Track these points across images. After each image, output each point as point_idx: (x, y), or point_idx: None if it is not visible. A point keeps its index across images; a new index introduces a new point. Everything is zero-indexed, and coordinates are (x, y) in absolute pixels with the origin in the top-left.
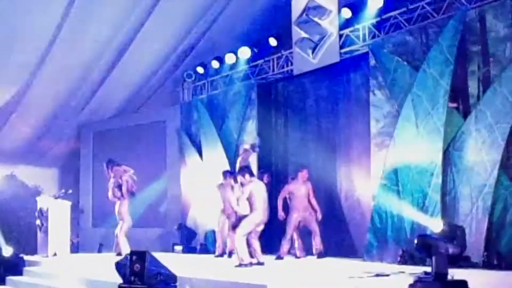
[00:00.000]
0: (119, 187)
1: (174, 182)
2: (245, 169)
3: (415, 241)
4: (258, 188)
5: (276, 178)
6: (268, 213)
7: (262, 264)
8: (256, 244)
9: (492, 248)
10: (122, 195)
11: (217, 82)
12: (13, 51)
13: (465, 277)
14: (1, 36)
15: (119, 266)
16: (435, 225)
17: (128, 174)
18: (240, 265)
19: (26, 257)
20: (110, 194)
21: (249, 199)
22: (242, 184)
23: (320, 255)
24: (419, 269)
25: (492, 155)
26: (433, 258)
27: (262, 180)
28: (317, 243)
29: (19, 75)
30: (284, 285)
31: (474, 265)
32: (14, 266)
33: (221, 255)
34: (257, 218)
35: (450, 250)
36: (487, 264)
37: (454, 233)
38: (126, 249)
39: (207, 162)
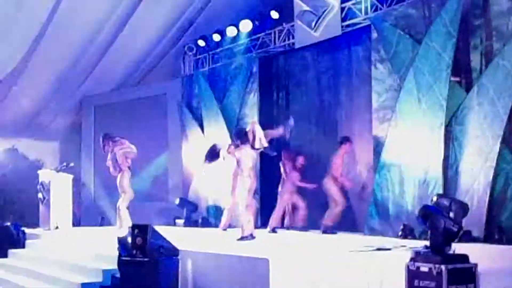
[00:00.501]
0: (116, 160)
1: (175, 155)
2: (236, 136)
3: (418, 210)
4: (245, 155)
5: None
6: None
7: (253, 238)
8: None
9: (493, 223)
10: (120, 168)
11: (218, 55)
12: (14, 23)
13: (466, 251)
14: (1, 9)
15: (121, 242)
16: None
17: (120, 147)
18: (242, 238)
19: (28, 230)
20: (111, 169)
21: (238, 166)
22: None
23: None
24: (420, 243)
25: (494, 129)
26: (429, 232)
27: (295, 161)
28: (300, 217)
29: (19, 48)
30: (285, 259)
31: (475, 239)
32: (16, 239)
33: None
34: (246, 183)
35: (447, 226)
36: (488, 238)
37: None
38: (127, 222)
39: (209, 135)
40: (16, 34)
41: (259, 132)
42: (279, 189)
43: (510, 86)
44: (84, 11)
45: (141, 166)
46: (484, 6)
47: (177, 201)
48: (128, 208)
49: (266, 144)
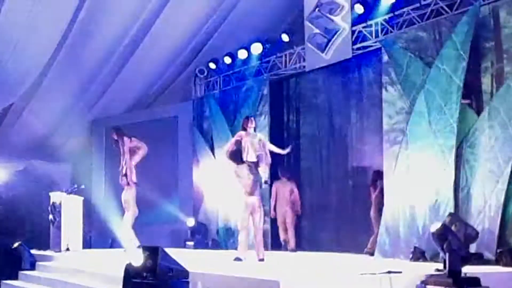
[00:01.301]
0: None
1: (186, 178)
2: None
3: (434, 229)
4: (242, 172)
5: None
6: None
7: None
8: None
9: (505, 245)
10: (128, 181)
11: (229, 78)
12: (27, 45)
13: (477, 274)
14: (14, 32)
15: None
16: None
17: (132, 146)
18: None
19: (38, 252)
20: (121, 178)
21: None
22: None
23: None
24: (431, 266)
25: (505, 152)
26: (447, 254)
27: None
28: (289, 237)
29: (31, 70)
30: (296, 281)
31: (486, 262)
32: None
33: None
34: (243, 202)
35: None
36: (500, 261)
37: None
38: (132, 243)
39: (219, 158)
40: (29, 56)
41: (251, 145)
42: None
43: None
44: (96, 34)
45: (152, 188)
46: (494, 29)
47: (189, 223)
48: (133, 227)
49: (254, 159)
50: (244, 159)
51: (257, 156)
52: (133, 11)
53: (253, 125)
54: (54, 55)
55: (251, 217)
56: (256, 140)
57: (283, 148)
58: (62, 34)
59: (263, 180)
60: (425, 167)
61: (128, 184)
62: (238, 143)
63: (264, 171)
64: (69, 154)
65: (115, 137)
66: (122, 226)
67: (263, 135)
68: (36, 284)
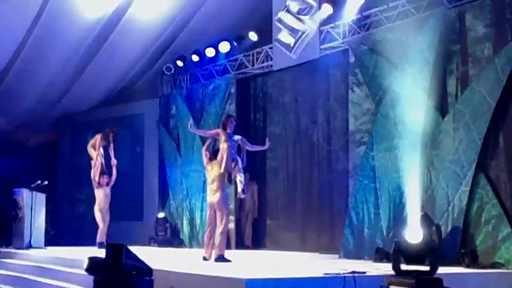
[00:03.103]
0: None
1: (151, 175)
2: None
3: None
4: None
5: (253, 174)
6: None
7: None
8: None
9: (468, 246)
10: (108, 180)
11: (197, 75)
12: None
13: (440, 275)
14: None
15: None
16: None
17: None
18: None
19: (0, 249)
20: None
21: None
22: None
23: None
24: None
25: (469, 154)
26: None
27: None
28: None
29: None
30: (261, 280)
31: (449, 263)
32: None
33: None
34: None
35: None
36: (462, 262)
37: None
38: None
39: (185, 155)
40: None
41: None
42: None
43: (485, 111)
44: (63, 30)
45: (117, 185)
46: (460, 32)
47: (159, 215)
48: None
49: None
50: (222, 165)
51: (233, 160)
52: (101, 7)
53: (234, 126)
54: (19, 50)
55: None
56: (235, 139)
57: (262, 144)
58: (27, 30)
59: (239, 190)
60: (390, 168)
61: (107, 183)
62: (214, 139)
63: (241, 181)
64: (34, 150)
65: (111, 138)
66: (99, 222)
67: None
68: None
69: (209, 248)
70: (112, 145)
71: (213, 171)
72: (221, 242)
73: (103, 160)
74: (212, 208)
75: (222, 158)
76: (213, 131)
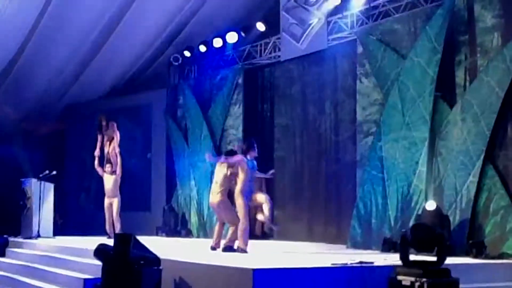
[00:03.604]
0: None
1: (159, 165)
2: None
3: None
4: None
5: (260, 165)
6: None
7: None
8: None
9: (475, 237)
10: (113, 169)
11: (204, 66)
12: None
13: (448, 265)
14: None
15: (98, 252)
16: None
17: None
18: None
19: (9, 238)
20: (107, 167)
21: None
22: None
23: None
24: None
25: (477, 144)
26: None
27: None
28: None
29: (3, 55)
30: (269, 270)
31: (457, 254)
32: None
33: None
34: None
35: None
36: (470, 253)
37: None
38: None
39: (193, 145)
40: (0, 41)
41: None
42: None
43: (493, 102)
44: (70, 20)
45: (125, 175)
46: (469, 23)
47: (161, 210)
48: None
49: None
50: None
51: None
52: None
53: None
54: (27, 39)
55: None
56: (255, 165)
57: (265, 172)
58: (36, 18)
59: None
60: (397, 158)
61: (114, 172)
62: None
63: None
64: (41, 140)
65: (103, 122)
66: (108, 216)
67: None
68: (4, 271)
69: (218, 237)
70: (108, 133)
71: (220, 172)
72: (232, 235)
73: (97, 150)
74: (212, 206)
75: (240, 189)
76: (236, 159)
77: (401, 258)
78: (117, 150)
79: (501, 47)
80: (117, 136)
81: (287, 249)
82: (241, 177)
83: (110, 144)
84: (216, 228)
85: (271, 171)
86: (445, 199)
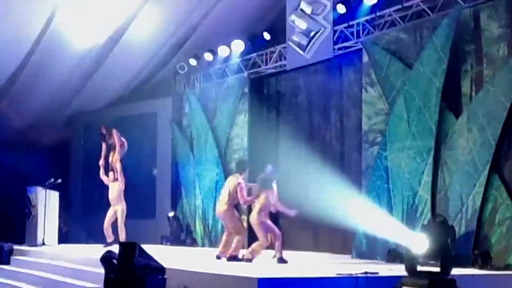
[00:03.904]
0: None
1: (164, 174)
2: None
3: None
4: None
5: None
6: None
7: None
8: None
9: (481, 247)
10: (116, 177)
11: (210, 74)
12: (4, 39)
13: (453, 276)
14: None
15: (104, 260)
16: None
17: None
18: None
19: (14, 246)
20: (110, 176)
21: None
22: None
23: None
24: None
25: (483, 155)
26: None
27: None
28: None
29: (9, 63)
30: (274, 279)
31: (463, 264)
32: (2, 255)
33: None
34: None
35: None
36: (476, 263)
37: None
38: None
39: (198, 154)
40: (6, 50)
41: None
42: None
43: (499, 112)
44: (76, 28)
45: (130, 183)
46: (475, 32)
47: (167, 217)
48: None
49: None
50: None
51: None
52: (114, 5)
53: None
54: (33, 48)
55: None
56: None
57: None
58: (42, 27)
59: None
60: (403, 168)
61: (116, 179)
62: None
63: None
64: (47, 148)
65: (104, 131)
66: (106, 221)
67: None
68: (9, 279)
69: (224, 246)
70: (109, 141)
71: (231, 182)
72: (237, 244)
73: (102, 160)
74: (218, 215)
75: (259, 211)
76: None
77: (407, 268)
78: (117, 157)
79: (507, 57)
80: (119, 143)
81: (292, 258)
82: (261, 201)
83: (113, 153)
84: (224, 237)
85: (295, 211)
86: (451, 210)
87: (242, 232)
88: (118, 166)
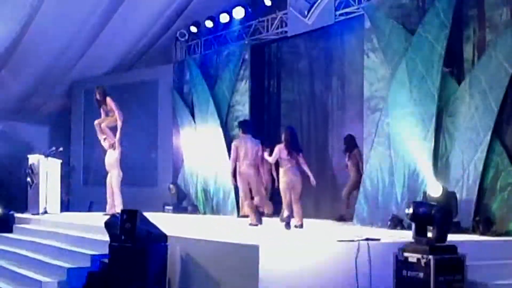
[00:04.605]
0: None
1: (165, 141)
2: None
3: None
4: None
5: (267, 141)
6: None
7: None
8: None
9: (482, 214)
10: (112, 143)
11: (211, 41)
12: (3, 6)
13: (454, 242)
14: None
15: (108, 225)
16: (435, 189)
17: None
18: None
19: (16, 215)
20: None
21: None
22: None
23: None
24: (409, 233)
25: (485, 120)
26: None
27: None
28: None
29: (8, 31)
30: (275, 246)
31: (464, 231)
32: (4, 223)
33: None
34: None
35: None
36: (477, 230)
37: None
38: (120, 204)
39: (199, 121)
40: (5, 17)
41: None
42: None
43: (502, 78)
44: None
45: (131, 151)
46: None
47: (168, 186)
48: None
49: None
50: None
51: None
52: None
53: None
54: (32, 15)
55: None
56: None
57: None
58: None
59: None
60: (404, 135)
61: (112, 146)
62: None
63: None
64: (48, 116)
65: (98, 97)
66: (108, 188)
67: None
68: (13, 247)
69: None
70: (105, 105)
71: (253, 147)
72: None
73: (100, 125)
74: (243, 177)
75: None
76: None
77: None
78: (109, 123)
79: (510, 21)
80: (114, 110)
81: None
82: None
83: (106, 120)
84: (248, 203)
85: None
86: (452, 176)
87: (261, 193)
88: (117, 135)
